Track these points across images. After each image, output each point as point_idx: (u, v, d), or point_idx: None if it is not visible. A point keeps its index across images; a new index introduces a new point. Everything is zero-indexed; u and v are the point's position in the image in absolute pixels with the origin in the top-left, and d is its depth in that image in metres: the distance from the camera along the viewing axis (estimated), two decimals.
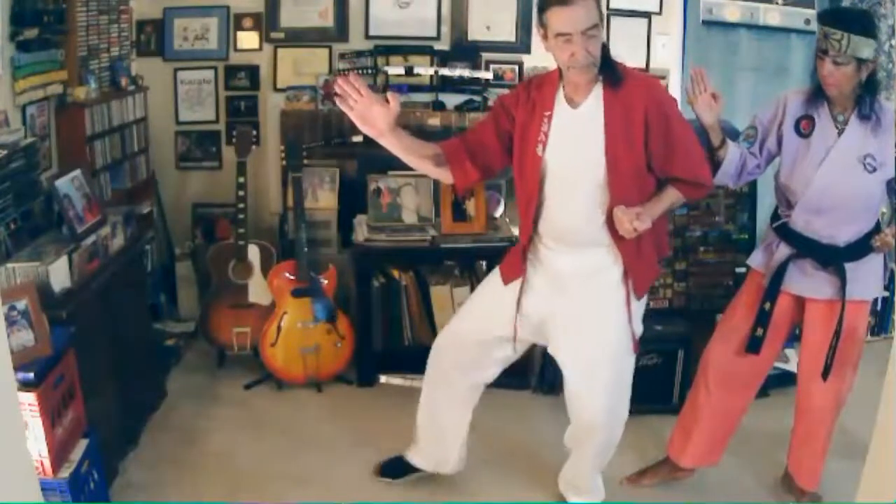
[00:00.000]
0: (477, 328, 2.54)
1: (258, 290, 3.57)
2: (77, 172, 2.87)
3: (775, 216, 2.65)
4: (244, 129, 3.69)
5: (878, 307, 4.17)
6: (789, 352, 3.73)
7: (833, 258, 2.52)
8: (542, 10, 2.21)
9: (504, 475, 2.91)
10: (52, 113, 3.26)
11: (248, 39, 4.27)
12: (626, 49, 4.38)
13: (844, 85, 2.39)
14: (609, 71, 2.27)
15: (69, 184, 2.79)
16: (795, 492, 2.77)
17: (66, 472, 2.29)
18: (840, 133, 2.45)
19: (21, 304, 2.24)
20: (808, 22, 4.23)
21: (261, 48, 4.27)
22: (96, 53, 3.61)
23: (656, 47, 4.40)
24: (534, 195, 2.34)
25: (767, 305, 2.60)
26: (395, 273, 3.58)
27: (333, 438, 3.10)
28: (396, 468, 2.83)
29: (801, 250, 2.56)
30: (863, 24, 2.36)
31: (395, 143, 2.32)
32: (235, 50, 4.28)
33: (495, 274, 2.55)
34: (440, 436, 2.73)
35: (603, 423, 2.50)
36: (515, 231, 3.90)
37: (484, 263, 3.62)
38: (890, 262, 3.98)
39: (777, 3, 4.20)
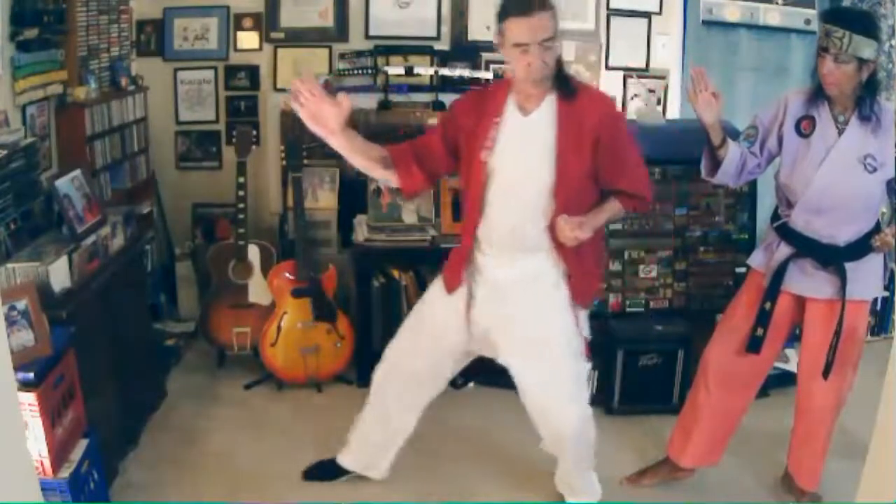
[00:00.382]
0: (426, 340, 2.55)
1: (258, 290, 3.57)
2: (77, 172, 2.87)
3: (775, 216, 2.65)
4: (244, 129, 3.69)
5: (878, 307, 4.17)
6: (789, 352, 3.72)
7: (833, 258, 2.52)
8: (500, 19, 2.24)
9: (503, 475, 2.91)
10: (52, 113, 3.26)
11: (248, 39, 4.27)
12: (626, 49, 4.40)
13: (844, 84, 2.39)
14: (563, 83, 2.30)
15: (69, 184, 2.79)
16: (795, 492, 2.77)
17: (66, 472, 2.29)
18: (840, 133, 2.45)
19: (21, 304, 2.24)
20: (808, 22, 4.23)
21: (261, 48, 4.27)
22: (96, 53, 3.61)
23: (656, 47, 4.40)
24: (478, 201, 2.35)
25: (768, 305, 2.60)
26: (395, 273, 3.58)
27: (333, 438, 3.10)
28: (324, 471, 2.84)
29: (801, 250, 2.56)
30: (865, 24, 2.37)
31: (344, 144, 2.31)
32: (235, 50, 4.28)
33: (438, 283, 2.55)
34: (378, 444, 2.76)
35: (574, 430, 2.51)
36: None
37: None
38: (890, 262, 3.99)
39: (777, 3, 4.19)
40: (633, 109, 4.41)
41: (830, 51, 2.35)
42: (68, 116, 3.31)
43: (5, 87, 2.90)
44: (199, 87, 4.28)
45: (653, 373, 3.30)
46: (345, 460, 2.82)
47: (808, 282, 2.57)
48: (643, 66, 4.41)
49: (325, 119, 2.23)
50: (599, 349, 3.39)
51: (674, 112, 4.47)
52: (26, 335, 2.23)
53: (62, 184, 2.75)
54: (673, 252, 3.40)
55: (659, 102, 4.44)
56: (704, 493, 2.81)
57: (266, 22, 4.25)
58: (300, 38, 4.24)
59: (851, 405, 2.69)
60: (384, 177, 2.43)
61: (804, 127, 2.50)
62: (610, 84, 4.46)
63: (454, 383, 3.55)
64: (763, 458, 3.00)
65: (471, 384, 3.57)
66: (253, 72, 4.28)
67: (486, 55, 4.27)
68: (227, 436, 3.14)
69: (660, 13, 4.37)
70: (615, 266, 3.39)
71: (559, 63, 2.29)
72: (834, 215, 2.49)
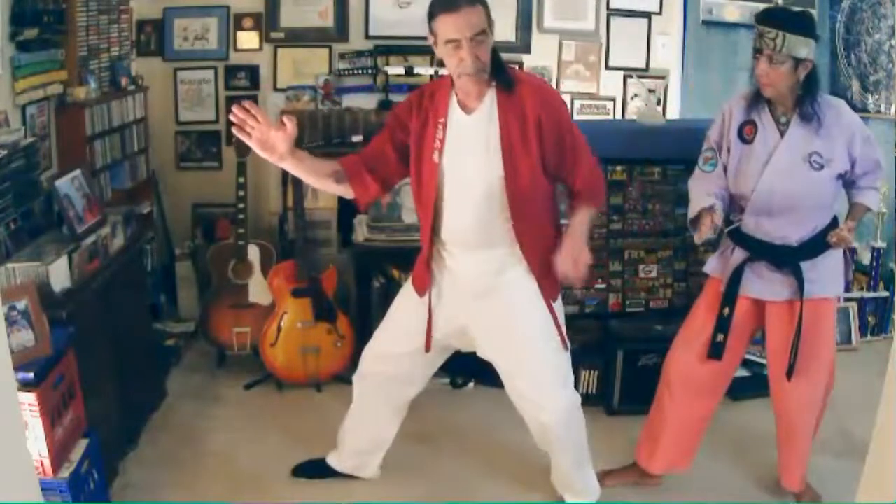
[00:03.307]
0: (401, 343, 2.55)
1: (258, 290, 3.57)
2: (77, 172, 2.87)
3: (729, 221, 2.63)
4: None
5: (878, 307, 4.17)
6: None
7: (788, 258, 2.50)
8: (430, 18, 2.25)
9: (504, 475, 2.91)
10: (52, 113, 3.26)
11: (248, 39, 4.28)
12: (626, 49, 4.40)
13: (780, 85, 2.38)
14: (501, 76, 2.29)
15: (69, 184, 2.79)
16: (789, 494, 2.76)
17: (66, 472, 2.29)
18: (783, 135, 2.44)
19: (21, 304, 2.24)
20: None
21: (261, 48, 4.28)
22: (96, 53, 3.61)
23: (656, 47, 4.41)
24: (432, 202, 2.36)
25: (726, 311, 2.58)
26: (395, 273, 3.58)
27: (333, 438, 3.09)
28: (314, 469, 2.85)
29: (754, 253, 2.54)
30: (800, 23, 2.35)
31: (296, 166, 2.32)
32: (235, 50, 4.28)
33: (408, 287, 2.55)
34: (365, 447, 2.78)
35: (558, 420, 2.50)
36: None
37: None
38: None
39: (777, 4, 4.19)
40: (633, 109, 4.42)
41: (764, 52, 2.35)
42: (68, 116, 3.31)
43: (5, 87, 2.90)
44: (199, 87, 4.29)
45: (653, 373, 3.27)
46: (334, 462, 2.83)
47: (765, 285, 2.55)
48: (643, 66, 4.42)
49: (274, 145, 2.24)
50: (599, 349, 3.41)
51: (674, 112, 4.48)
52: (26, 335, 2.23)
53: (62, 184, 2.75)
54: (673, 252, 3.40)
55: (659, 102, 4.45)
56: (703, 493, 2.81)
57: (266, 22, 4.25)
58: (300, 38, 4.25)
59: (851, 405, 2.69)
60: (339, 191, 2.46)
61: (747, 132, 2.49)
62: (610, 84, 4.48)
63: (454, 383, 3.55)
64: (763, 459, 3.00)
65: (471, 384, 3.57)
66: (253, 72, 4.29)
67: None
68: (227, 436, 3.14)
69: (660, 13, 4.38)
70: (615, 266, 3.38)
71: (496, 56, 2.28)
72: (784, 216, 2.47)
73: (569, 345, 2.49)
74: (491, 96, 2.29)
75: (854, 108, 4.23)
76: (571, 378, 2.53)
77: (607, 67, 4.43)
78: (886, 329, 4.19)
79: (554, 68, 4.37)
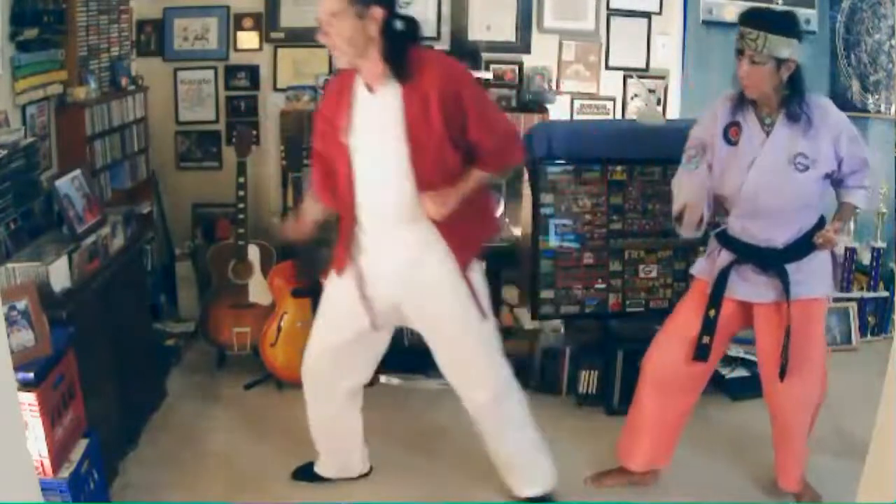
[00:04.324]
0: (342, 331, 2.55)
1: (258, 290, 3.57)
2: (77, 172, 2.87)
3: (716, 224, 2.63)
4: (244, 129, 3.69)
5: (878, 307, 4.17)
6: None
7: (774, 261, 2.50)
8: None
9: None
10: (52, 113, 3.26)
11: (248, 39, 4.28)
12: (626, 49, 4.40)
13: (763, 85, 2.37)
14: (395, 63, 2.26)
15: (69, 184, 2.79)
16: (788, 494, 2.76)
17: (66, 472, 2.29)
18: (768, 136, 2.44)
19: (21, 304, 2.24)
20: (808, 22, 4.23)
21: (261, 48, 4.28)
22: (96, 53, 3.61)
23: (656, 47, 4.41)
24: (346, 181, 2.40)
25: (713, 313, 2.58)
26: None
27: None
28: (310, 474, 2.84)
29: (740, 256, 2.54)
30: (781, 23, 2.35)
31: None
32: (235, 50, 4.28)
33: (332, 276, 2.57)
34: (338, 445, 2.78)
35: (490, 394, 2.53)
36: (516, 231, 3.92)
37: (484, 263, 3.60)
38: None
39: (777, 4, 4.19)
40: (633, 109, 4.42)
41: (746, 52, 2.34)
42: (68, 116, 3.31)
43: (5, 87, 2.90)
44: (199, 87, 4.29)
45: None
46: (321, 470, 2.83)
47: (751, 287, 2.55)
48: (643, 66, 4.41)
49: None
50: (599, 349, 3.41)
51: (674, 112, 4.48)
52: (26, 335, 2.23)
53: (62, 184, 2.75)
54: (673, 252, 3.40)
55: (659, 102, 4.45)
56: (702, 493, 2.81)
57: (266, 22, 4.25)
58: (300, 38, 4.24)
59: (851, 405, 2.69)
60: (320, 212, 2.60)
61: (732, 134, 2.48)
62: (610, 84, 4.48)
63: None
64: (761, 459, 3.00)
65: None
66: (253, 72, 4.29)
67: (486, 55, 4.27)
68: (227, 436, 3.14)
69: (660, 13, 4.38)
70: (615, 266, 3.38)
71: (393, 41, 2.24)
72: (769, 218, 2.47)
73: (489, 314, 2.51)
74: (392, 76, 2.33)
75: (854, 108, 4.29)
76: (500, 353, 2.56)
77: (607, 67, 4.43)
78: (886, 329, 4.19)
79: (554, 68, 4.37)
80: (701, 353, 2.61)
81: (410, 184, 2.33)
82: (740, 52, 2.37)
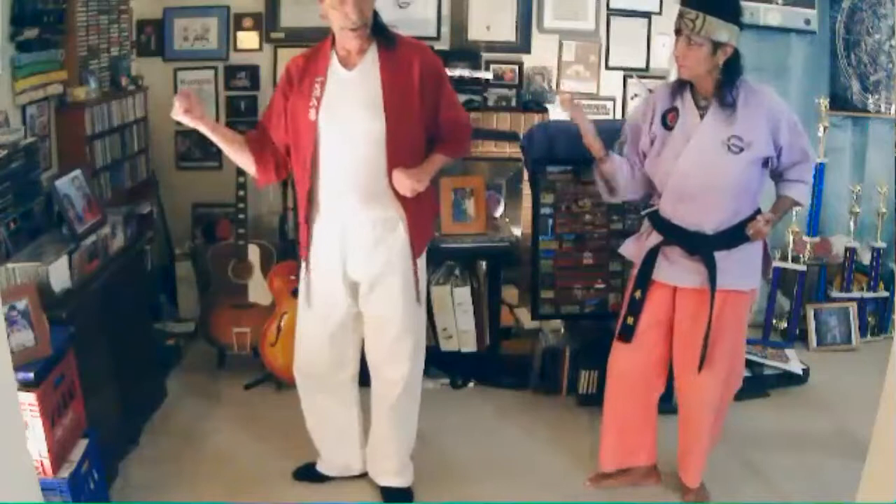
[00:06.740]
0: (325, 322, 2.57)
1: (258, 290, 3.57)
2: (77, 172, 2.87)
3: (647, 205, 2.63)
4: (244, 129, 3.68)
5: (878, 307, 4.17)
6: (789, 352, 3.73)
7: (701, 246, 2.48)
8: None
9: (503, 475, 2.91)
10: (52, 113, 3.26)
11: (248, 39, 4.27)
12: (626, 49, 4.40)
13: (697, 67, 2.38)
14: (383, 35, 2.39)
15: (69, 184, 2.79)
16: (682, 488, 2.73)
17: (66, 472, 2.29)
18: (702, 119, 2.44)
19: (21, 304, 2.25)
20: (808, 22, 4.23)
21: (261, 48, 4.28)
22: (96, 53, 3.61)
23: (656, 47, 4.40)
24: (309, 160, 2.40)
25: (638, 294, 2.57)
26: None
27: None
28: (313, 474, 2.85)
29: (668, 238, 2.53)
30: (721, 7, 2.34)
31: (214, 128, 2.42)
32: (235, 50, 4.28)
33: (304, 269, 2.57)
34: (337, 442, 2.78)
35: (411, 380, 2.59)
36: (516, 231, 3.92)
37: (484, 263, 3.61)
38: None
39: (777, 3, 4.20)
40: (633, 109, 4.42)
41: (683, 32, 2.35)
42: (68, 116, 3.31)
43: (5, 87, 2.90)
44: (200, 88, 4.28)
45: None
46: (323, 469, 2.83)
47: (676, 271, 2.53)
48: (643, 66, 4.41)
49: (194, 107, 2.31)
50: (599, 349, 3.40)
51: None
52: (26, 335, 2.24)
53: (62, 184, 2.75)
54: None
55: None
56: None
57: (266, 22, 4.25)
58: (300, 38, 4.23)
59: (851, 405, 2.68)
60: (245, 164, 2.52)
61: (670, 119, 2.49)
62: (610, 84, 4.47)
63: (454, 383, 3.56)
64: (760, 459, 3.00)
65: (471, 384, 3.57)
66: (253, 72, 4.28)
67: (486, 55, 4.27)
68: (227, 436, 3.14)
69: (660, 13, 4.37)
70: (615, 266, 3.38)
71: (377, 17, 2.38)
72: (699, 202, 2.45)
73: (423, 301, 2.58)
74: (373, 53, 2.38)
75: (854, 108, 4.29)
76: (423, 338, 2.62)
77: (607, 67, 4.43)
78: (886, 329, 4.19)
79: (554, 68, 4.37)
80: (624, 332, 2.61)
81: (382, 161, 2.36)
82: (678, 32, 2.38)
